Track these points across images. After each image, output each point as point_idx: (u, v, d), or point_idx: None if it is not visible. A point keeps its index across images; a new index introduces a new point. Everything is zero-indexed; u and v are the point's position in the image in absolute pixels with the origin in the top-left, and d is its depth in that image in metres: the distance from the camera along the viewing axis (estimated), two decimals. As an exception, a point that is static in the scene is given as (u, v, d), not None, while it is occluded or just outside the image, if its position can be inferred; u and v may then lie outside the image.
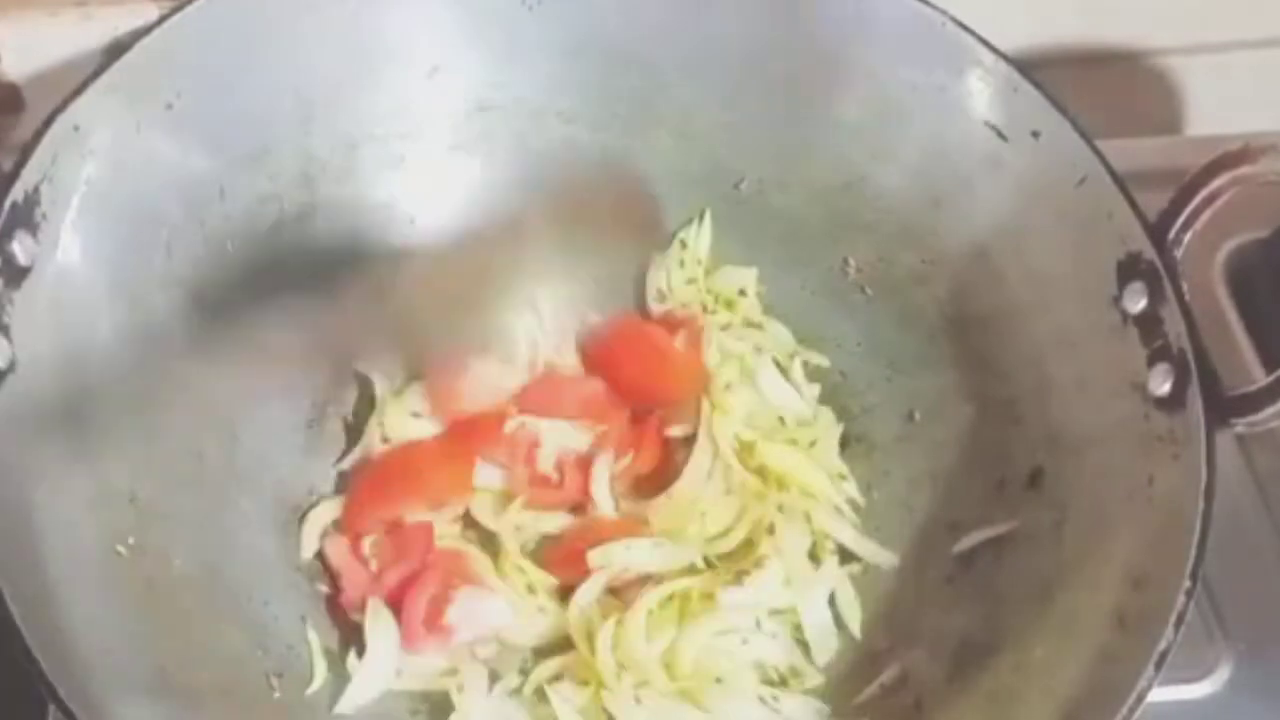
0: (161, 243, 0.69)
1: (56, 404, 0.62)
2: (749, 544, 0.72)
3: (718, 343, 0.77)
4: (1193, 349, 0.62)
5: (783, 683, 0.70)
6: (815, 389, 0.78)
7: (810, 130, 0.77)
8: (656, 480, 0.75)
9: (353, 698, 0.67)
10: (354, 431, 0.76)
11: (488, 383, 0.75)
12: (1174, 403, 0.63)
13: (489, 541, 0.73)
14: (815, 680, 0.70)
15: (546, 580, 0.71)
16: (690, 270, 0.80)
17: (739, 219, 0.80)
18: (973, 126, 0.72)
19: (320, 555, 0.72)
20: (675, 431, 0.76)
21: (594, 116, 0.79)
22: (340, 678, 0.68)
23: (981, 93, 0.71)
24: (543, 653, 0.71)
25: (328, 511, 0.73)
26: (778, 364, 0.78)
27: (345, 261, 0.75)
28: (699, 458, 0.74)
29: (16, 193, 0.61)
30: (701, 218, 0.80)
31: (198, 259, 0.70)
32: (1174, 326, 0.63)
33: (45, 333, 0.62)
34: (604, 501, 0.74)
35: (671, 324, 0.78)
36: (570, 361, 0.78)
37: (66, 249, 0.64)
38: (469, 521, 0.74)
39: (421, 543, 0.71)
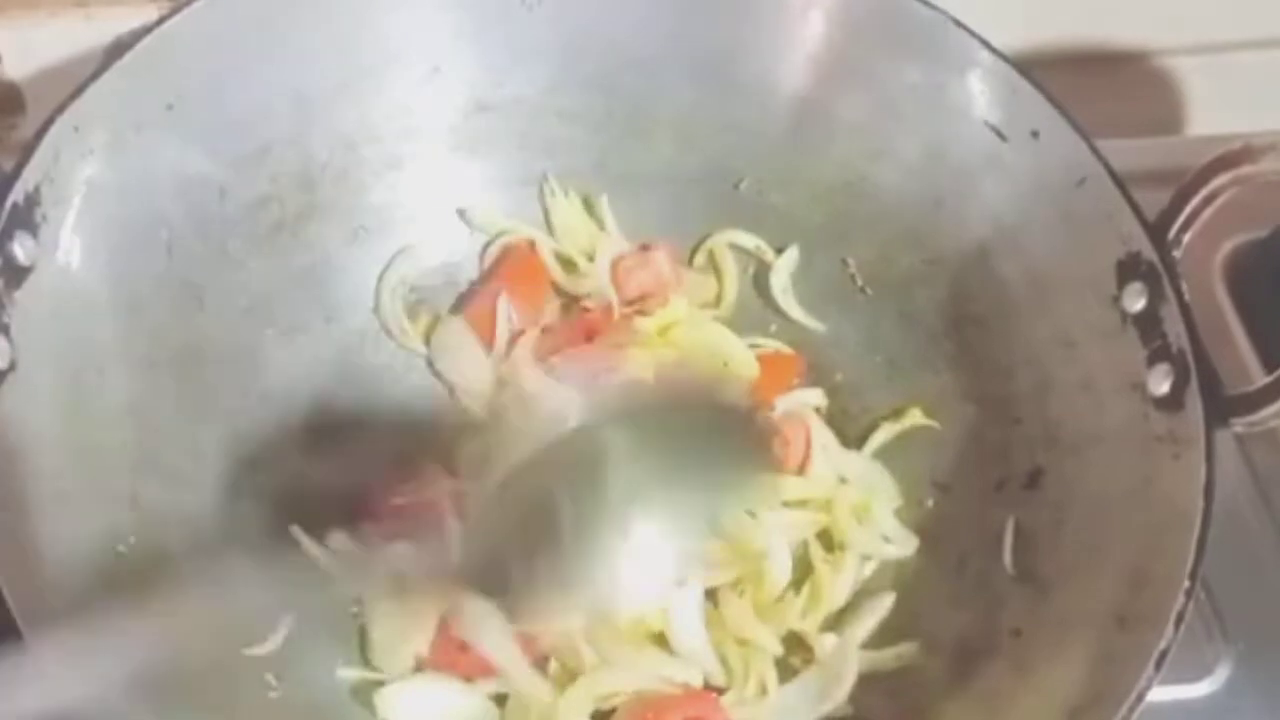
0: (161, 243, 0.69)
1: (56, 404, 0.62)
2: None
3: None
4: (1192, 349, 0.62)
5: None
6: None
7: (810, 130, 0.77)
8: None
9: None
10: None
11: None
12: (1173, 403, 0.63)
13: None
14: None
15: None
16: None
17: (739, 219, 0.80)
18: (973, 126, 0.72)
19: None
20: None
21: (594, 116, 0.79)
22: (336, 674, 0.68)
23: (981, 93, 0.71)
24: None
25: None
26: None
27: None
28: None
29: (17, 193, 0.61)
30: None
31: (198, 259, 0.70)
32: (1173, 326, 0.63)
33: (45, 333, 0.62)
34: None
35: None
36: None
37: (67, 249, 0.64)
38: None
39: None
